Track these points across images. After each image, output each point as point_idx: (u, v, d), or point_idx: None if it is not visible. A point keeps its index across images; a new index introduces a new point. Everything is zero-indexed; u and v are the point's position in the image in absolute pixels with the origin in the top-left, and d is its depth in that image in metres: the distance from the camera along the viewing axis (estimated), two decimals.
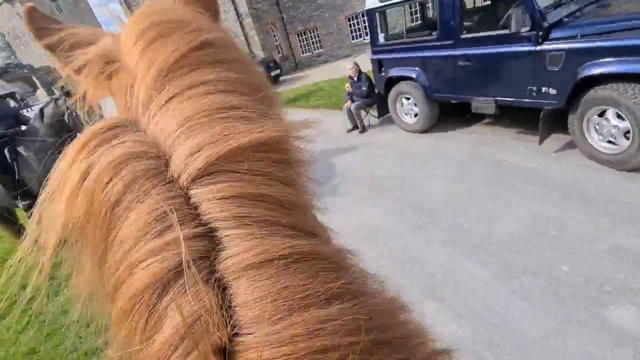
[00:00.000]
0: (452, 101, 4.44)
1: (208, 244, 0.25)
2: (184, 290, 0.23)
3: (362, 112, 5.79)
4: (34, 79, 39.67)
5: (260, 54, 13.85)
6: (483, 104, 3.91)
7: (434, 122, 4.86)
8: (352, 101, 5.73)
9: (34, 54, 42.43)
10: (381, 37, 5.01)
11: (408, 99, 4.93)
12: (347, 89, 5.72)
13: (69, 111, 3.49)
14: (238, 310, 0.23)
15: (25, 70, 39.40)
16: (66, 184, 0.28)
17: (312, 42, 15.82)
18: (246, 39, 13.97)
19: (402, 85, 4.89)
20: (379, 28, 4.95)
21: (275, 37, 15.23)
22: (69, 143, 0.30)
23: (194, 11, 0.39)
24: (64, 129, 3.58)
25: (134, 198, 0.26)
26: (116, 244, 0.26)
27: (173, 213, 0.25)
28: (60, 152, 0.30)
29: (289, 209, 0.29)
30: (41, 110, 3.68)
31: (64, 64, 0.39)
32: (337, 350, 0.22)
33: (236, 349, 0.22)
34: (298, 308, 0.23)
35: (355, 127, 5.90)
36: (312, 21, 15.04)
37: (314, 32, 15.51)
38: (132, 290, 0.24)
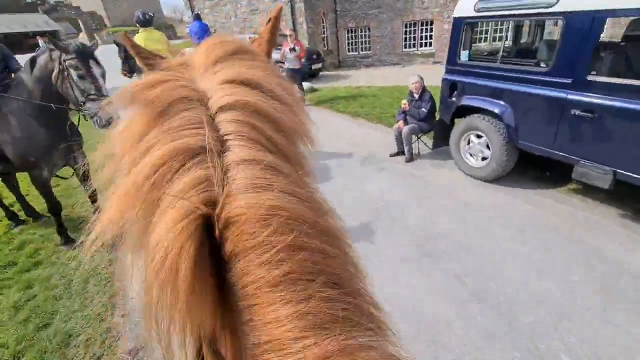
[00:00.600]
0: (542, 154, 3.43)
1: (222, 146, 0.38)
2: (203, 162, 0.36)
3: (414, 137, 4.84)
4: (79, 21, 39.95)
5: (305, 42, 12.95)
6: (594, 172, 2.90)
7: (506, 172, 3.87)
8: (405, 122, 4.78)
9: None
10: (463, 55, 4.03)
11: (479, 137, 3.96)
12: (402, 106, 4.76)
13: (60, 67, 2.69)
14: (231, 183, 0.35)
15: (72, 12, 39.71)
16: (142, 89, 0.42)
17: (361, 42, 14.80)
18: (294, 25, 13.09)
19: (475, 120, 3.91)
20: (463, 43, 3.98)
21: (323, 28, 14.29)
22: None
23: (250, 45, 0.59)
24: (50, 89, 2.79)
25: (182, 108, 0.40)
26: (164, 126, 0.39)
27: (203, 124, 0.39)
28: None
29: (275, 140, 0.42)
30: (33, 60, 2.89)
31: (147, 67, 0.57)
32: (290, 219, 0.34)
33: (226, 202, 0.34)
34: (271, 189, 0.35)
35: (400, 152, 4.96)
36: (367, 20, 14.02)
37: (365, 31, 14.49)
38: (167, 150, 0.36)
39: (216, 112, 0.41)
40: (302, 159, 0.48)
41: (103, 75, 2.82)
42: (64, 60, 2.67)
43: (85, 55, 2.69)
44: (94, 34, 38.84)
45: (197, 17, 9.80)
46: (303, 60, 8.23)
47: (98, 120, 2.85)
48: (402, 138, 4.77)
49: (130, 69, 5.66)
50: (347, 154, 5.24)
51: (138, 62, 0.58)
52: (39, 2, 42.71)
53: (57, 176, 3.40)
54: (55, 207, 3.31)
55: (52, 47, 2.67)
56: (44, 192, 3.23)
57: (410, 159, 4.81)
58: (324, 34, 14.41)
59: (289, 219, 0.33)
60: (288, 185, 0.37)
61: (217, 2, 15.10)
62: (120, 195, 0.37)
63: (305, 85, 9.15)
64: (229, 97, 0.41)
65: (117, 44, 6.34)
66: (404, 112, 4.77)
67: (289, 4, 12.92)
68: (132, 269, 0.38)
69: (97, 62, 2.78)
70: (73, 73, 2.68)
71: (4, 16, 36.85)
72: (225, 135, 0.39)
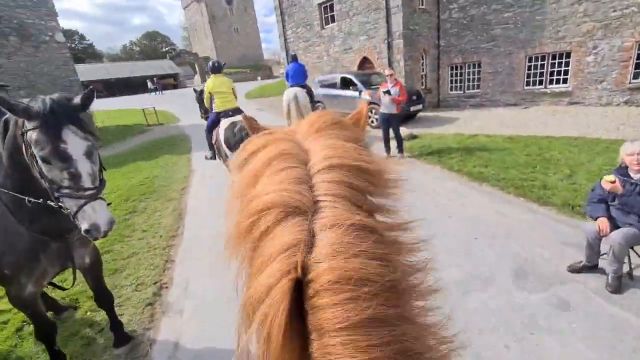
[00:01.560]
0: None
1: (313, 207, 0.41)
2: (297, 224, 0.39)
3: (629, 251, 2.68)
4: (196, 65, 46.51)
5: (403, 82, 11.53)
6: None
7: None
8: (610, 219, 2.68)
9: (203, 45, 49.87)
10: None
11: None
12: (608, 186, 2.69)
13: (23, 141, 1.60)
14: (318, 247, 0.37)
15: (191, 57, 46.50)
16: (252, 147, 0.52)
17: (468, 79, 12.72)
18: (389, 62, 11.87)
19: None
20: None
21: (423, 66, 12.73)
22: None
23: (344, 120, 0.64)
24: (28, 169, 1.69)
25: (288, 164, 0.46)
26: (266, 179, 0.45)
27: (303, 181, 0.43)
28: None
29: (368, 194, 0.46)
30: (6, 122, 1.85)
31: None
32: (369, 281, 0.35)
33: (313, 268, 0.36)
34: (360, 257, 0.36)
35: (592, 266, 2.83)
36: (477, 54, 11.99)
37: (473, 67, 12.42)
38: (269, 200, 0.42)
39: (316, 172, 0.45)
40: (392, 212, 0.49)
41: (90, 154, 1.64)
42: (25, 131, 1.56)
43: (57, 121, 1.54)
44: (206, 76, 44.59)
45: (294, 59, 9.19)
46: (402, 104, 6.69)
47: (92, 231, 1.66)
48: (608, 249, 2.67)
49: (205, 111, 5.88)
50: (475, 254, 3.31)
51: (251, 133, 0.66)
52: (169, 50, 51.41)
53: (54, 285, 2.33)
54: (45, 331, 2.19)
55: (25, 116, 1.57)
56: (30, 313, 2.15)
57: (618, 287, 2.65)
58: (422, 71, 12.82)
59: (370, 288, 0.35)
60: (376, 249, 0.38)
61: (311, 43, 14.93)
62: (231, 230, 0.46)
63: (404, 130, 7.53)
64: (328, 159, 0.46)
65: (195, 90, 6.74)
66: (612, 198, 2.71)
67: (386, 41, 11.79)
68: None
69: (84, 129, 1.62)
70: (36, 152, 1.55)
71: (143, 62, 44.88)
72: (320, 195, 0.42)
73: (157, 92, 33.71)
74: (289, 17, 15.48)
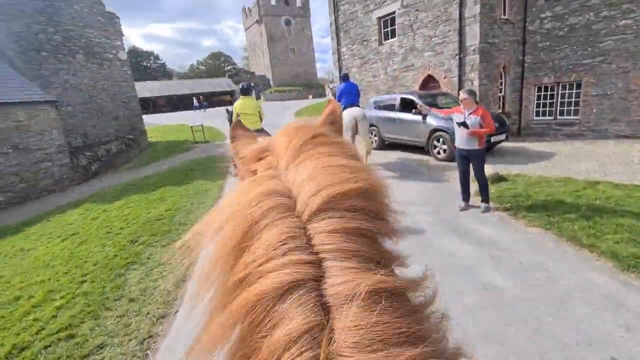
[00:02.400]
0: None
1: (317, 270, 0.33)
2: (302, 301, 0.31)
3: None
4: (252, 83, 48.15)
5: None
6: None
7: None
8: None
9: (259, 64, 51.61)
10: None
11: None
12: None
13: None
14: (339, 333, 0.29)
15: (248, 76, 48.22)
16: (231, 198, 0.43)
17: (561, 103, 10.30)
18: (459, 80, 10.01)
19: None
20: None
21: (501, 85, 10.63)
22: None
23: (324, 126, 0.62)
24: None
25: (273, 219, 0.37)
26: (249, 253, 0.36)
27: (294, 240, 0.35)
28: None
29: (378, 243, 0.39)
30: None
31: (235, 153, 0.62)
32: None
33: None
34: (391, 344, 0.28)
35: None
36: (577, 72, 9.62)
37: (570, 88, 10.02)
38: (258, 290, 0.33)
39: (307, 220, 0.38)
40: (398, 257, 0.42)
41: None
42: None
43: None
44: (260, 93, 45.82)
45: (346, 77, 7.93)
46: (486, 138, 4.87)
47: None
48: None
49: None
50: None
51: (236, 161, 0.63)
52: (229, 69, 54.09)
53: None
54: None
55: None
56: None
57: None
58: (500, 92, 10.70)
59: None
60: (403, 327, 0.30)
61: (367, 60, 13.59)
62: (213, 328, 0.36)
63: (487, 168, 5.63)
64: (316, 196, 0.39)
65: (227, 110, 7.52)
66: None
67: (457, 57, 9.98)
68: None
69: None
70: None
71: (204, 80, 47.45)
72: (322, 252, 0.35)
73: (202, 110, 35.09)
74: (345, 33, 14.37)
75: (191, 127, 15.62)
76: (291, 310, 0.31)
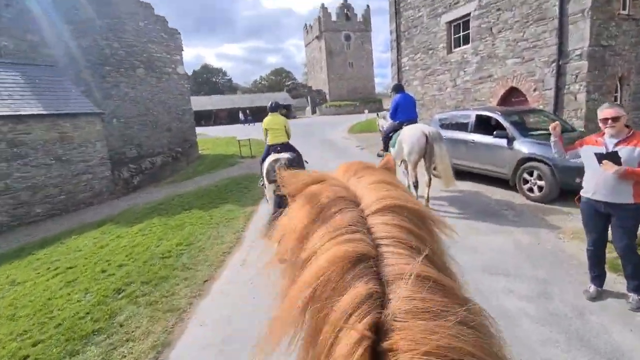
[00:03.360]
0: None
1: (376, 251, 0.39)
2: (364, 273, 0.37)
3: None
4: (309, 97, 48.32)
5: (576, 124, 7.27)
6: None
7: None
8: None
9: (317, 79, 51.81)
10: None
11: None
12: None
13: None
14: (394, 301, 0.34)
15: (305, 90, 48.54)
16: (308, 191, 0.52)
17: None
18: (556, 94, 7.75)
19: None
20: None
21: (615, 100, 8.08)
22: None
23: (381, 168, 0.68)
24: None
25: (342, 207, 0.45)
26: (323, 229, 0.43)
27: (359, 225, 0.42)
28: None
29: (427, 245, 0.43)
30: None
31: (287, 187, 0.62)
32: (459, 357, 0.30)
33: (391, 327, 0.32)
34: (435, 314, 0.33)
35: None
36: None
37: None
38: (330, 257, 0.39)
39: (371, 214, 0.44)
40: (445, 255, 0.49)
41: None
42: None
43: None
44: (316, 107, 45.69)
45: (400, 88, 6.38)
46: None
47: None
48: None
49: None
50: None
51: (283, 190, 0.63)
52: (288, 84, 55.26)
53: None
54: None
55: None
56: None
57: None
58: None
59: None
60: (450, 307, 0.35)
61: (432, 71, 11.79)
62: (285, 301, 0.41)
63: None
64: (381, 200, 0.45)
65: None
66: None
67: (554, 64, 7.78)
68: None
69: None
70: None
71: (263, 94, 48.89)
72: (380, 238, 0.41)
73: (248, 124, 35.35)
74: (407, 41, 12.77)
75: (238, 140, 15.13)
76: (356, 279, 0.36)
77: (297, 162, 4.82)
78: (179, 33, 16.48)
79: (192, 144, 16.42)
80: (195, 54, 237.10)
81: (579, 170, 5.09)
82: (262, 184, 5.26)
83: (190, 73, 79.32)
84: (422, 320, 0.32)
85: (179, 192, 9.43)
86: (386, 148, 6.53)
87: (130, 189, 10.34)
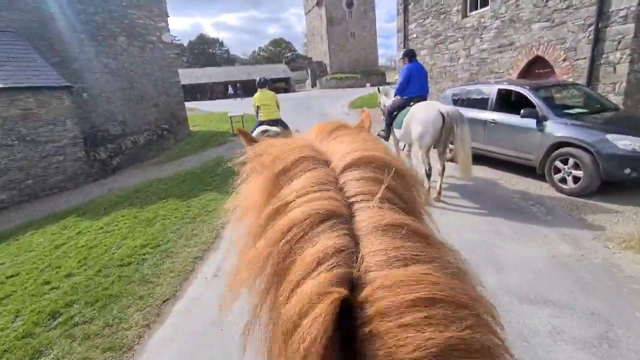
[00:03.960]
0: None
1: (348, 210, 0.37)
2: (334, 229, 0.34)
3: None
4: (308, 70, 46.19)
5: (615, 100, 6.20)
6: None
7: None
8: None
9: (317, 50, 49.37)
10: None
11: None
12: None
13: None
14: (367, 256, 0.32)
15: (305, 62, 46.34)
16: (273, 149, 0.47)
17: None
18: (591, 64, 6.62)
19: None
20: None
21: None
22: None
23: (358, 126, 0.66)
24: None
25: (306, 167, 0.41)
26: (288, 188, 0.40)
27: (328, 184, 0.39)
28: None
29: (401, 195, 0.41)
30: None
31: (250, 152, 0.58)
32: (432, 298, 0.29)
33: (364, 280, 0.31)
34: (410, 262, 0.32)
35: None
36: None
37: None
38: (298, 214, 0.36)
39: (341, 172, 0.41)
40: (422, 207, 0.46)
41: None
42: None
43: None
44: (316, 80, 43.72)
45: (411, 55, 5.31)
46: None
47: None
48: None
49: None
50: None
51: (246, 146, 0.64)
52: (288, 55, 52.80)
53: None
54: None
55: None
56: None
57: None
58: None
59: (441, 303, 0.29)
60: (425, 251, 0.33)
61: (443, 38, 10.49)
62: (254, 249, 0.39)
63: None
64: (352, 154, 0.43)
65: None
66: None
67: (590, 29, 6.59)
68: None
69: None
70: None
71: (261, 66, 46.83)
72: (353, 196, 0.39)
73: (238, 98, 33.70)
74: (416, 4, 11.34)
75: (230, 117, 14.04)
76: (324, 235, 0.34)
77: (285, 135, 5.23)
78: None
79: (181, 120, 15.32)
80: (192, 22, 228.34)
81: (633, 159, 4.19)
82: None
83: (185, 44, 76.14)
84: (398, 269, 0.31)
85: (161, 175, 8.55)
86: (388, 129, 5.55)
87: (108, 171, 9.45)
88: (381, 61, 63.78)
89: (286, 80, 42.44)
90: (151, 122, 14.07)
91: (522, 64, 8.10)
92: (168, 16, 15.17)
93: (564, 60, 7.19)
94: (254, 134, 5.39)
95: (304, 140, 0.50)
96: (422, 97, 5.30)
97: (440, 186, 4.87)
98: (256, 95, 5.44)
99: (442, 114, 4.56)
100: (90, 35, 12.05)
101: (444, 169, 4.82)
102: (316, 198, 0.37)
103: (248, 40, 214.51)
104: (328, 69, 45.38)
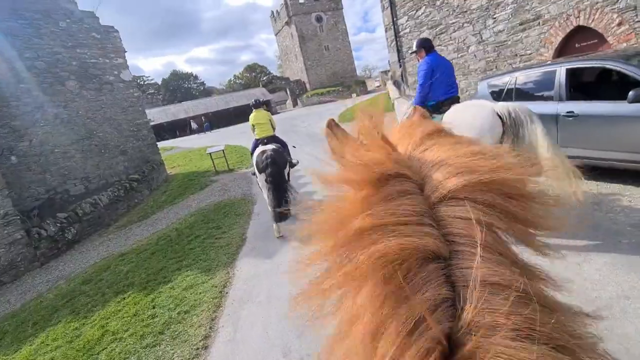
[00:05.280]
0: None
1: (446, 249, 0.32)
2: (433, 273, 0.31)
3: None
4: (287, 89, 45.01)
5: None
6: None
7: None
8: None
9: (293, 68, 48.41)
10: None
11: None
12: None
13: None
14: (470, 313, 0.28)
15: (282, 82, 45.19)
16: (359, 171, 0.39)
17: None
18: None
19: None
20: None
21: None
22: None
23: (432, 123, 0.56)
24: None
25: (396, 194, 0.36)
26: (374, 211, 0.35)
27: (424, 216, 0.34)
28: None
29: (508, 243, 0.35)
30: None
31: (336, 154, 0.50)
32: None
33: (464, 340, 0.27)
34: (524, 337, 0.26)
35: None
36: None
37: None
38: (394, 249, 0.32)
39: (438, 201, 0.36)
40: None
41: None
42: None
43: None
44: (297, 99, 42.44)
45: (429, 46, 3.66)
46: None
47: None
48: None
49: None
50: None
51: (333, 143, 0.53)
52: (264, 79, 51.77)
53: None
54: None
55: None
56: None
57: None
58: None
59: None
60: (542, 325, 0.28)
61: (443, 28, 8.97)
62: (333, 276, 0.36)
63: None
64: (450, 180, 0.36)
65: None
66: None
67: None
68: None
69: None
70: None
71: (237, 93, 45.50)
72: (450, 235, 0.34)
73: (203, 133, 27.90)
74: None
75: (210, 154, 12.18)
76: (427, 277, 0.31)
77: (282, 151, 4.96)
78: (116, 31, 13.28)
79: (155, 166, 13.38)
80: (165, 61, 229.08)
81: None
82: (253, 173, 5.28)
83: (160, 82, 74.78)
84: (507, 340, 0.26)
85: (126, 246, 6.57)
86: None
87: (62, 248, 7.40)
88: (358, 71, 63.38)
89: (267, 102, 41.05)
90: (120, 172, 12.12)
91: (557, 40, 6.51)
92: (125, 51, 13.48)
93: (619, 24, 5.61)
94: (254, 158, 4.89)
95: (396, 152, 0.43)
96: (454, 100, 3.74)
97: None
98: (251, 115, 5.70)
99: (499, 115, 2.91)
100: (31, 84, 10.21)
101: (574, 186, 3.03)
102: (410, 232, 0.32)
103: (223, 70, 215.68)
104: (307, 85, 44.28)
